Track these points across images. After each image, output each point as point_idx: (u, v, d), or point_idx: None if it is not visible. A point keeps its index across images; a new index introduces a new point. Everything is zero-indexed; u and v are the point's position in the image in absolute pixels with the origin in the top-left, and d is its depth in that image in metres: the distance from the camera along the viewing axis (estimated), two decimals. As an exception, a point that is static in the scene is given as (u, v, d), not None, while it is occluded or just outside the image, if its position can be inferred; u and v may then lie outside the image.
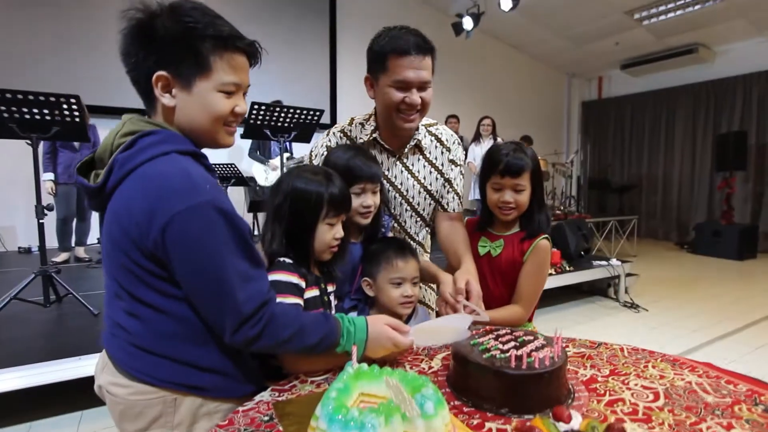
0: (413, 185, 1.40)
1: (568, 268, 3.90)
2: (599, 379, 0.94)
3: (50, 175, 3.95)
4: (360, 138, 1.37)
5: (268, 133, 3.04)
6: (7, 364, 1.90)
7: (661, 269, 5.73)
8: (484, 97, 7.71)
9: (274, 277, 0.99)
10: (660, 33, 6.88)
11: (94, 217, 4.73)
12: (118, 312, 0.85)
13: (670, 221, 8.01)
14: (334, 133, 1.41)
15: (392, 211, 1.41)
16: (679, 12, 6.16)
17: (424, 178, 1.41)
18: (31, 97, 2.33)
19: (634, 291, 4.43)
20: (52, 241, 3.94)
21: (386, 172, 1.38)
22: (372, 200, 1.21)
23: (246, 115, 0.92)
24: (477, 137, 5.82)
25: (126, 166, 0.78)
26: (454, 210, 1.42)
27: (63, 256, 4.21)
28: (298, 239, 1.04)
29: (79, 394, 2.25)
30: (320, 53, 6.14)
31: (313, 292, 1.06)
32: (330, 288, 1.15)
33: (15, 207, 4.77)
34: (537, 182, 1.31)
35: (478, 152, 5.59)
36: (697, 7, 5.98)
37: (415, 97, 1.23)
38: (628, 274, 4.34)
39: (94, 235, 4.90)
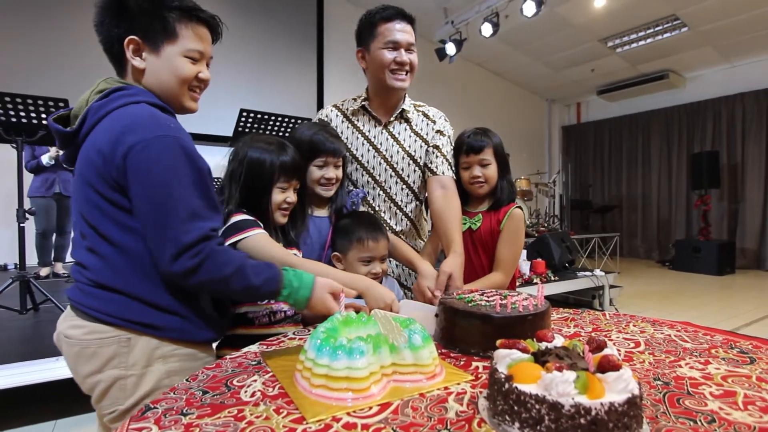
0: (398, 152, 1.47)
1: (553, 278, 3.94)
2: (582, 333, 0.96)
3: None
4: (350, 108, 1.49)
5: (256, 141, 3.07)
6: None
7: (643, 284, 5.81)
8: (468, 119, 7.80)
9: (235, 218, 1.05)
10: (633, 60, 7.22)
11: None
12: (81, 252, 0.87)
13: (650, 239, 8.18)
14: (327, 107, 1.53)
15: (377, 178, 1.47)
16: (649, 40, 6.50)
17: (410, 147, 1.48)
18: (18, 100, 2.33)
19: (619, 303, 4.48)
20: (31, 257, 3.83)
21: (373, 140, 1.47)
22: (334, 173, 1.29)
23: (207, 85, 1.01)
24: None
25: (99, 113, 0.85)
26: (443, 173, 1.43)
27: (44, 271, 4.10)
28: (254, 202, 1.10)
29: (52, 402, 2.16)
30: (308, 64, 6.18)
31: None
32: (292, 251, 1.17)
33: (-11, 224, 4.65)
34: (500, 157, 1.44)
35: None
36: (666, 35, 6.33)
37: (405, 56, 1.37)
38: (612, 286, 4.40)
39: (74, 252, 4.79)
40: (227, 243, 1.05)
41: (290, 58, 5.91)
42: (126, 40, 0.88)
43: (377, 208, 1.48)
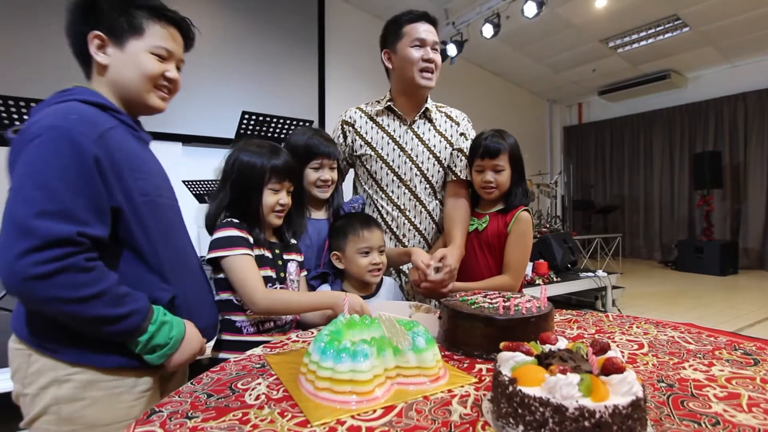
0: (423, 151, 1.51)
1: (555, 279, 3.93)
2: (585, 336, 0.96)
3: None
4: (374, 110, 1.53)
5: (258, 143, 3.07)
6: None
7: (646, 285, 5.80)
8: (470, 119, 7.91)
9: (223, 233, 1.05)
10: (634, 60, 7.21)
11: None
12: None
13: (653, 240, 8.15)
14: (351, 109, 1.57)
15: (402, 177, 1.50)
16: (650, 40, 6.49)
17: (434, 147, 1.52)
18: (11, 102, 2.33)
19: (621, 304, 4.47)
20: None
21: (398, 139, 1.51)
22: (329, 175, 1.33)
23: (178, 87, 0.97)
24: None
25: (31, 117, 0.79)
26: (466, 177, 1.49)
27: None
28: (245, 204, 1.11)
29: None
30: (309, 67, 6.17)
31: (259, 251, 1.10)
32: (290, 257, 1.19)
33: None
34: (516, 163, 1.42)
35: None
36: (667, 35, 6.32)
37: (431, 54, 1.43)
38: (615, 287, 4.39)
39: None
40: (210, 256, 1.04)
41: (292, 61, 5.91)
42: (90, 35, 0.85)
43: (402, 207, 1.50)
